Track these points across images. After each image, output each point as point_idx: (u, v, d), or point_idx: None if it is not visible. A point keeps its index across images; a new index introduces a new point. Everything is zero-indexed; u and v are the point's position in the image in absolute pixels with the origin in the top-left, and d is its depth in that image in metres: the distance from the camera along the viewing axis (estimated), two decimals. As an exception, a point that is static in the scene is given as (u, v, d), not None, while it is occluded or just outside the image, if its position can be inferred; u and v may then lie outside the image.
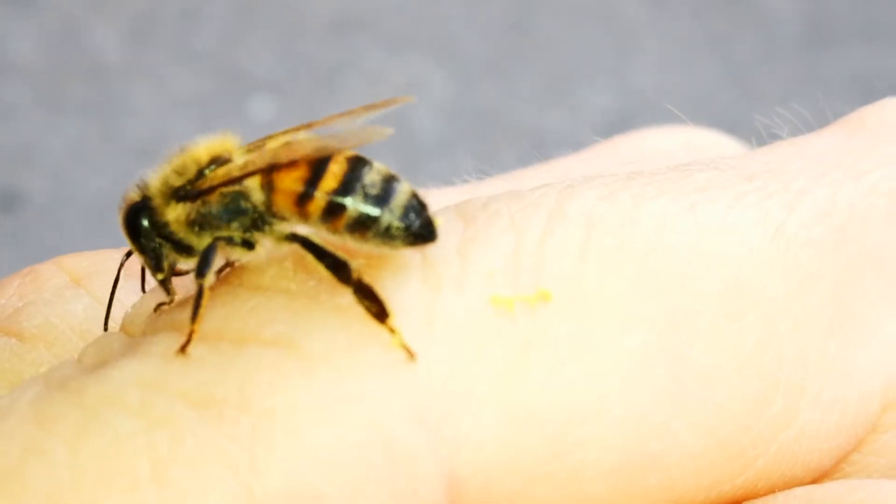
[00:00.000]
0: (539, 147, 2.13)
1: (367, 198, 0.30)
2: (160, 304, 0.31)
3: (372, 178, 0.30)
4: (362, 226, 0.29)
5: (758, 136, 0.37)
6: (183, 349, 0.27)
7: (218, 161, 0.34)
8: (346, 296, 0.27)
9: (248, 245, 0.32)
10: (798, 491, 0.27)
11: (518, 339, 0.25)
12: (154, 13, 2.17)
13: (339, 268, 0.29)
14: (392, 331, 0.26)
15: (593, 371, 0.25)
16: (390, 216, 0.29)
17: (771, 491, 0.27)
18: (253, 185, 0.32)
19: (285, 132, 0.33)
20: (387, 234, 0.29)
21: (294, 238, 0.31)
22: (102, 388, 0.26)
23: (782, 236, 0.28)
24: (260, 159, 0.31)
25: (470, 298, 0.26)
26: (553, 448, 0.25)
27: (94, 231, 1.85)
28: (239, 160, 0.33)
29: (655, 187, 0.29)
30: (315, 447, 0.24)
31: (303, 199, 0.30)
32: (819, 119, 0.36)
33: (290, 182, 0.31)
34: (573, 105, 2.12)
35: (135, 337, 0.29)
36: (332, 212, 0.30)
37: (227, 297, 0.29)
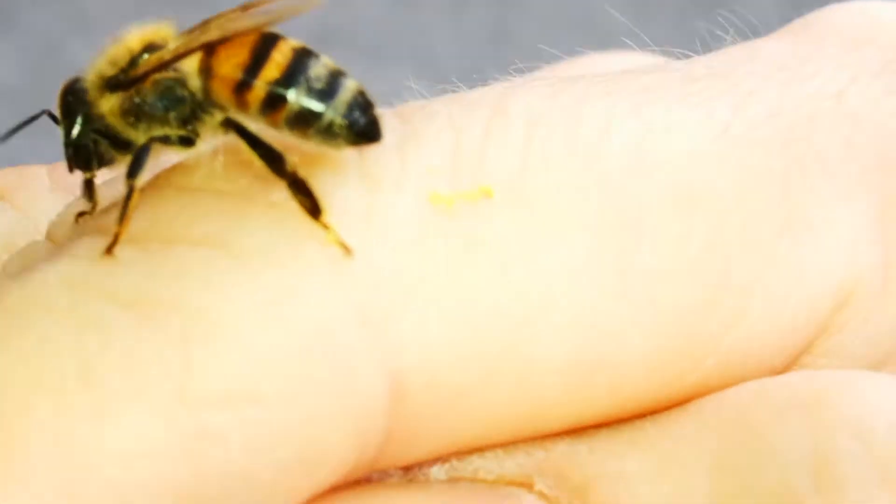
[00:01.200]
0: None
1: (311, 91, 0.28)
2: (81, 213, 0.30)
3: (317, 71, 0.28)
4: (303, 121, 0.28)
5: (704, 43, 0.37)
6: (109, 250, 0.26)
7: (152, 48, 0.32)
8: (279, 192, 0.26)
9: (186, 142, 0.30)
10: (751, 384, 0.26)
11: (460, 237, 0.25)
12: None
13: (273, 159, 0.28)
14: (326, 227, 0.25)
15: (539, 270, 0.25)
16: (334, 112, 0.28)
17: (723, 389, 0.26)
18: (190, 70, 0.31)
19: (219, 15, 0.32)
20: (329, 131, 0.28)
21: (229, 124, 0.30)
22: (26, 291, 0.25)
23: (728, 136, 0.28)
24: (193, 40, 0.30)
25: (409, 196, 0.25)
26: (499, 345, 0.25)
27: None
28: (172, 45, 0.31)
29: (600, 88, 0.29)
30: (251, 346, 0.23)
31: (241, 88, 0.29)
32: (767, 28, 0.36)
33: (229, 68, 0.29)
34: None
35: (59, 244, 0.28)
36: (272, 103, 0.28)
37: (155, 198, 0.28)
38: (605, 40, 2.03)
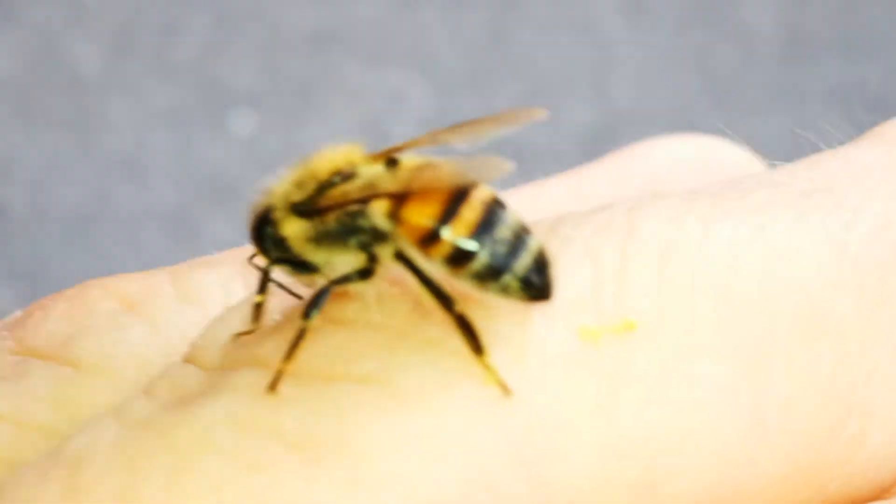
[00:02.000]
0: (517, 160, 2.12)
1: (495, 255, 0.28)
2: (242, 333, 0.30)
3: (503, 232, 0.28)
4: (483, 278, 0.28)
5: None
6: (273, 387, 0.26)
7: (341, 175, 0.32)
8: (435, 329, 0.27)
9: (365, 275, 0.30)
10: None
11: (607, 373, 0.25)
12: (133, 27, 2.17)
13: (442, 297, 0.28)
14: (488, 367, 0.25)
15: (680, 404, 0.25)
16: (513, 276, 0.28)
17: None
18: (377, 209, 0.31)
19: (407, 144, 0.32)
20: (505, 290, 0.28)
21: (400, 258, 0.30)
22: (192, 431, 0.25)
23: (847, 255, 0.28)
24: (389, 184, 0.30)
25: (559, 330, 0.25)
26: (643, 482, 0.25)
27: (71, 244, 1.85)
28: (361, 178, 0.31)
29: (720, 210, 0.28)
30: (418, 489, 0.23)
31: (429, 240, 0.29)
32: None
33: (420, 219, 0.29)
34: (552, 118, 2.12)
35: (209, 370, 0.28)
36: (457, 260, 0.29)
37: (310, 332, 0.28)
38: (602, 47, 2.03)
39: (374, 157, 0.32)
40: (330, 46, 2.18)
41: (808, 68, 2.07)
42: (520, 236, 0.28)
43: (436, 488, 0.23)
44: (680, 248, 0.27)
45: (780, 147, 0.37)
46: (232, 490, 0.23)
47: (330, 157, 0.32)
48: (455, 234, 0.29)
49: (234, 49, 2.16)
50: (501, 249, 0.28)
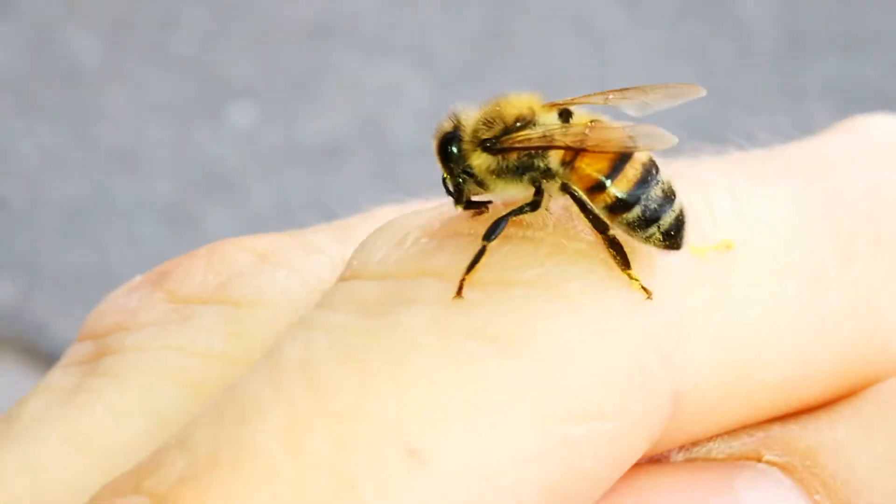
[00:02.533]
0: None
1: (646, 210, 0.33)
2: (477, 212, 0.35)
3: (656, 192, 0.33)
4: (631, 227, 0.33)
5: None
6: (459, 293, 0.30)
7: (523, 121, 0.36)
8: (583, 244, 0.32)
9: (534, 206, 0.35)
10: None
11: (716, 282, 0.31)
12: (131, 18, 2.17)
13: (598, 221, 0.33)
14: (633, 277, 0.31)
15: (768, 309, 0.31)
16: (656, 230, 0.33)
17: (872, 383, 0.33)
18: (553, 156, 0.35)
19: (580, 100, 0.37)
20: (649, 238, 0.33)
21: (567, 190, 0.35)
22: (401, 334, 0.29)
23: (850, 209, 0.34)
24: (566, 138, 0.35)
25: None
26: (744, 369, 0.31)
27: (70, 236, 1.85)
28: (540, 126, 0.36)
29: (753, 169, 0.35)
30: (594, 373, 0.28)
31: (595, 189, 0.34)
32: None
33: (590, 171, 0.34)
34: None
35: (386, 279, 0.31)
36: (615, 209, 0.33)
37: (476, 246, 0.32)
38: (600, 41, 2.03)
39: (551, 107, 0.37)
40: (328, 38, 2.18)
41: (806, 64, 2.07)
42: (668, 196, 0.33)
43: (608, 370, 0.28)
44: (745, 193, 0.33)
45: (778, 143, 0.38)
46: (447, 381, 0.27)
47: (515, 102, 0.37)
48: (618, 189, 0.33)
49: (231, 41, 2.16)
50: (652, 206, 0.33)
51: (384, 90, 2.13)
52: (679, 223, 0.33)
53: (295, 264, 0.35)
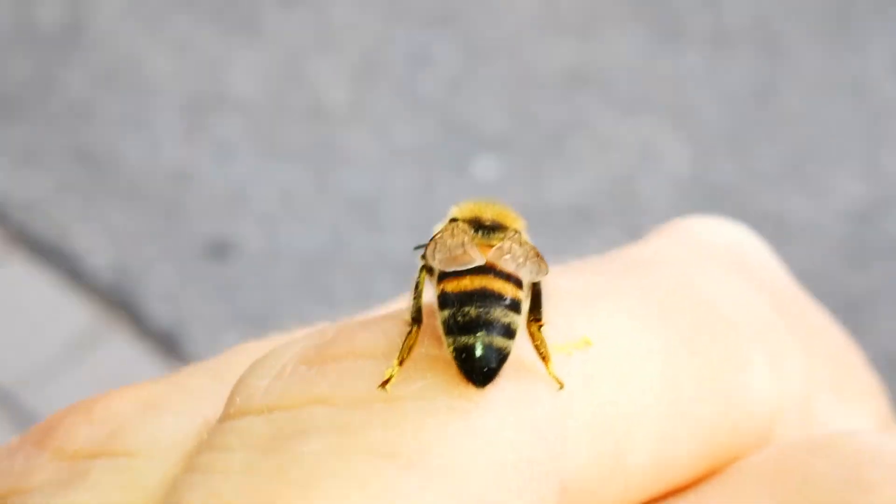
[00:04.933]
0: (778, 233, 1.99)
1: (452, 319, 0.34)
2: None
3: (471, 311, 0.34)
4: (445, 331, 0.34)
5: None
6: (384, 385, 0.32)
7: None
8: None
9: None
10: (769, 448, 0.36)
11: (581, 374, 0.33)
12: (380, 53, 2.10)
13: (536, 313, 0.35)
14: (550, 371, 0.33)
15: (629, 396, 0.33)
16: (453, 344, 0.33)
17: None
18: None
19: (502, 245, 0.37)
20: (451, 354, 0.33)
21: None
22: (304, 464, 0.30)
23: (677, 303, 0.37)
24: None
25: (556, 352, 0.33)
26: (617, 452, 0.33)
27: (302, 288, 1.78)
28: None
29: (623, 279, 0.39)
30: (489, 471, 0.30)
31: (438, 281, 0.35)
32: None
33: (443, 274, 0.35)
34: (818, 189, 1.97)
35: (271, 412, 0.32)
36: (439, 307, 0.34)
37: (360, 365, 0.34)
38: (877, 111, 1.83)
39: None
40: (581, 90, 2.06)
41: None
42: (478, 323, 0.33)
43: (495, 467, 0.30)
44: (604, 297, 0.35)
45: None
46: (358, 499, 0.29)
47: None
48: (446, 287, 0.34)
49: (481, 85, 2.07)
50: (459, 319, 0.33)
51: (638, 149, 2.00)
52: (476, 357, 0.32)
53: (179, 408, 0.35)
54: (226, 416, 0.32)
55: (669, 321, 0.35)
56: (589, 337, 0.33)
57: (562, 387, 0.32)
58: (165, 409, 0.35)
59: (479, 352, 0.33)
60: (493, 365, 0.32)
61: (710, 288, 0.37)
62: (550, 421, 0.32)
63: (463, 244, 0.35)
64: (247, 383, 0.33)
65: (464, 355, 0.32)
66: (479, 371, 0.32)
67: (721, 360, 0.35)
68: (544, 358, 0.33)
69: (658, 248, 0.41)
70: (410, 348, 0.33)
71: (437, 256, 0.34)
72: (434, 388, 0.32)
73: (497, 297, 0.34)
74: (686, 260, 0.40)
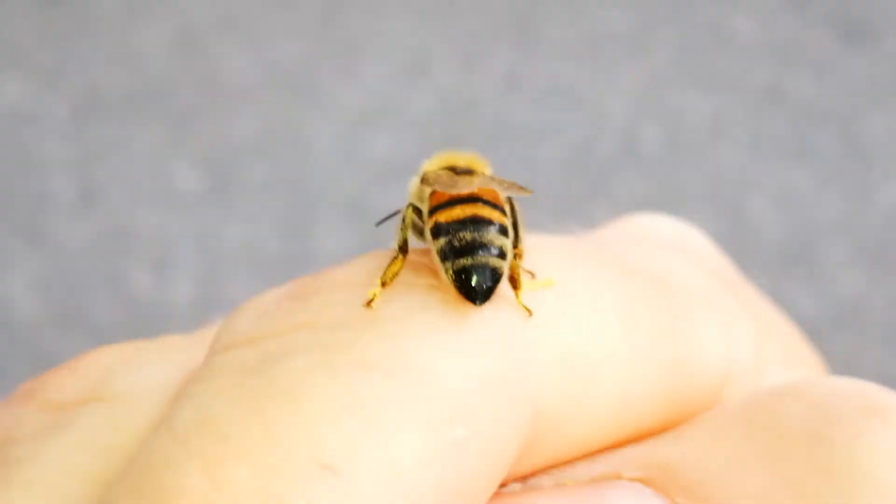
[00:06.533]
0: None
1: (448, 245, 0.35)
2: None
3: (466, 235, 0.35)
4: (440, 258, 0.35)
5: None
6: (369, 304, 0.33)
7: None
8: (433, 278, 0.35)
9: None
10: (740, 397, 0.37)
11: (548, 308, 0.34)
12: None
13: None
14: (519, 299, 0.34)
15: (593, 333, 0.34)
16: (450, 268, 0.34)
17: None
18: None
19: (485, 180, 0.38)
20: (448, 278, 0.34)
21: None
22: (290, 377, 0.31)
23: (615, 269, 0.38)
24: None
25: (524, 289, 0.35)
26: (585, 383, 0.33)
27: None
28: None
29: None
30: (467, 382, 0.31)
31: (430, 215, 0.36)
32: None
33: (434, 202, 0.37)
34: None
35: (258, 343, 0.33)
36: (433, 236, 0.36)
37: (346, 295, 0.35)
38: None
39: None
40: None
41: None
42: (475, 246, 0.35)
43: (473, 379, 0.31)
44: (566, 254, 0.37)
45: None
46: (342, 404, 0.30)
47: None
48: (439, 217, 0.36)
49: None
50: (455, 244, 0.35)
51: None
52: (472, 277, 0.34)
53: (165, 358, 0.36)
54: (212, 353, 0.33)
55: (626, 279, 0.36)
56: (552, 279, 0.34)
57: (531, 314, 0.33)
58: (151, 360, 0.36)
59: (477, 271, 0.34)
60: (490, 283, 0.34)
61: (660, 262, 0.38)
62: (523, 347, 0.32)
63: (454, 178, 0.36)
64: (232, 323, 0.34)
65: (463, 276, 0.34)
66: (478, 290, 0.33)
67: (675, 317, 0.36)
68: (516, 286, 0.34)
69: (607, 232, 0.43)
70: (395, 274, 0.34)
71: (437, 184, 0.36)
72: (415, 308, 0.33)
73: (488, 222, 0.35)
74: (636, 240, 0.42)
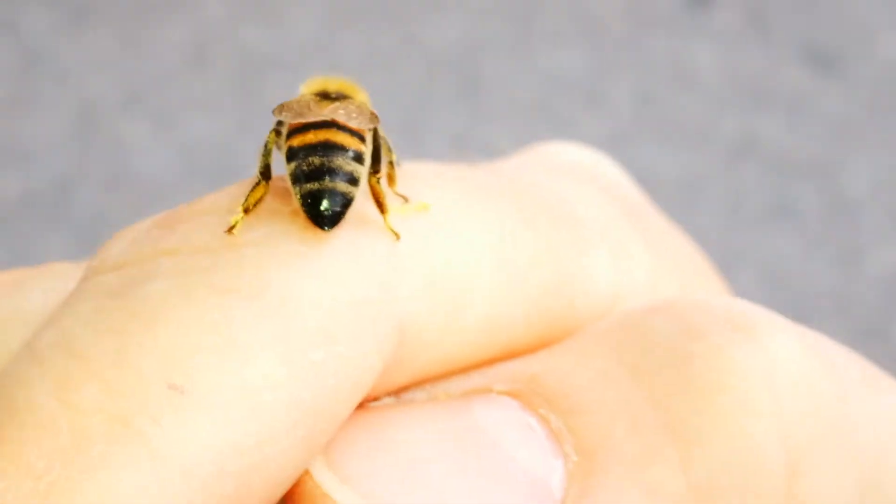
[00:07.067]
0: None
1: (298, 169, 0.35)
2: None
3: (316, 160, 0.36)
4: (291, 180, 0.36)
5: None
6: (230, 230, 0.34)
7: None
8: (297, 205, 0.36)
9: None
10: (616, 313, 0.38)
11: (418, 232, 0.34)
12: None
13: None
14: (389, 224, 0.35)
15: (466, 256, 0.35)
16: (299, 191, 0.35)
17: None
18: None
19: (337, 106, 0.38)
20: (298, 199, 0.35)
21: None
22: (147, 300, 0.32)
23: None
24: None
25: (393, 213, 0.35)
26: (454, 305, 0.34)
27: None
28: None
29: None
30: (326, 305, 0.32)
31: (287, 138, 0.37)
32: None
33: (289, 131, 0.37)
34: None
35: (122, 269, 0.34)
36: (287, 160, 0.36)
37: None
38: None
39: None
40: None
41: None
42: (322, 171, 0.35)
43: (332, 302, 0.32)
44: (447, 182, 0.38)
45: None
46: (196, 326, 0.30)
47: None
48: (294, 142, 0.36)
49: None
50: (304, 168, 0.35)
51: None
52: (320, 201, 0.34)
53: (46, 286, 0.37)
54: (82, 279, 0.34)
55: (509, 203, 0.36)
56: (427, 202, 0.35)
57: (398, 238, 0.34)
58: (32, 287, 0.37)
59: (324, 196, 0.34)
60: (338, 208, 0.34)
61: (557, 186, 0.39)
62: (388, 267, 0.33)
63: (308, 105, 0.37)
64: (102, 251, 0.34)
65: (310, 200, 0.34)
66: (325, 214, 0.34)
67: (560, 242, 0.36)
68: (382, 209, 0.35)
69: (513, 160, 0.44)
70: (258, 200, 0.34)
71: (284, 113, 0.36)
72: (277, 234, 0.33)
73: (339, 148, 0.36)
74: (537, 166, 0.42)
